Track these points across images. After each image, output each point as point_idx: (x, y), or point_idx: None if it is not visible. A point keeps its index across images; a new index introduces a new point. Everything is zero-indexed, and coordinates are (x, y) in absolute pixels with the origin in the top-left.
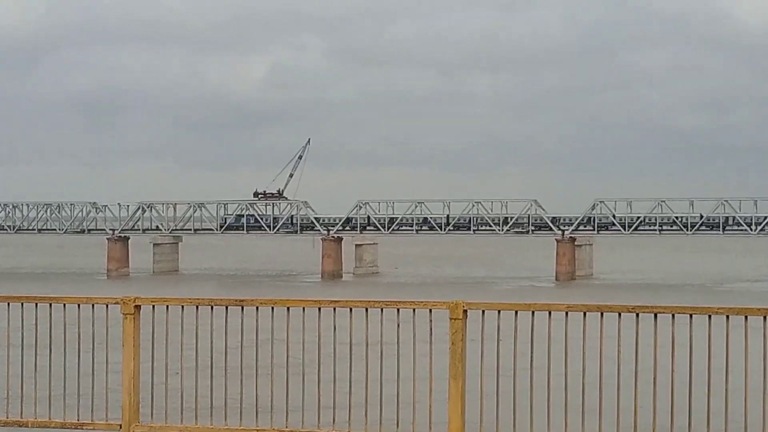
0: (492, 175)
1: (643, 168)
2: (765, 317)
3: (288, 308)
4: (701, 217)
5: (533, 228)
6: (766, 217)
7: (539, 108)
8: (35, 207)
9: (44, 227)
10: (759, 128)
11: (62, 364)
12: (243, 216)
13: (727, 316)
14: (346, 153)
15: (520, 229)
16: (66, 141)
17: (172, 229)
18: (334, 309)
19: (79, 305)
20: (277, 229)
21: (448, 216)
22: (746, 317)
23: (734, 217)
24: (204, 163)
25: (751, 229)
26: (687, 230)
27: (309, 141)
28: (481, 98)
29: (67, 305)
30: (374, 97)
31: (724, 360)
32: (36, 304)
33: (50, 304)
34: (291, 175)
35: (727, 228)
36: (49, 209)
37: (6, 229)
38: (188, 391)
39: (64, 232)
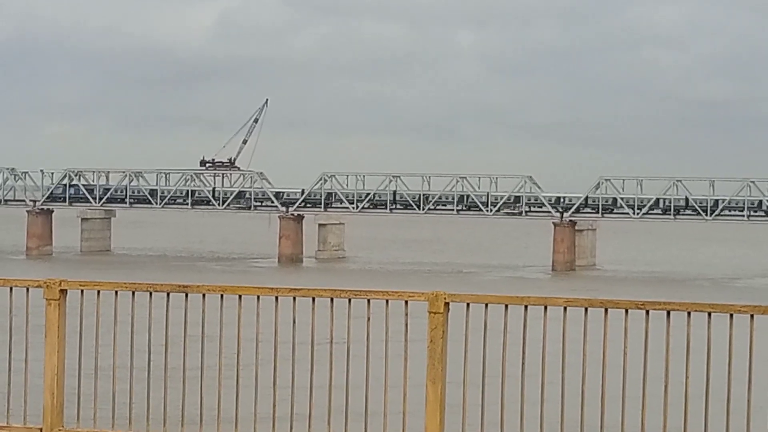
0: (479, 147)
1: (656, 142)
2: None
3: (240, 296)
4: (722, 200)
5: (527, 209)
6: None
7: (532, 70)
8: None
9: None
10: None
11: None
12: (187, 188)
13: (752, 316)
14: (308, 117)
15: (512, 210)
16: None
17: (104, 202)
18: (294, 299)
19: None
20: (228, 205)
21: (427, 193)
22: None
23: (761, 201)
24: (141, 125)
25: None
26: (706, 215)
27: (266, 102)
28: (464, 57)
29: None
30: (339, 53)
31: (747, 367)
32: None
33: None
34: (245, 142)
35: (752, 213)
36: None
37: None
38: (122, 393)
39: None
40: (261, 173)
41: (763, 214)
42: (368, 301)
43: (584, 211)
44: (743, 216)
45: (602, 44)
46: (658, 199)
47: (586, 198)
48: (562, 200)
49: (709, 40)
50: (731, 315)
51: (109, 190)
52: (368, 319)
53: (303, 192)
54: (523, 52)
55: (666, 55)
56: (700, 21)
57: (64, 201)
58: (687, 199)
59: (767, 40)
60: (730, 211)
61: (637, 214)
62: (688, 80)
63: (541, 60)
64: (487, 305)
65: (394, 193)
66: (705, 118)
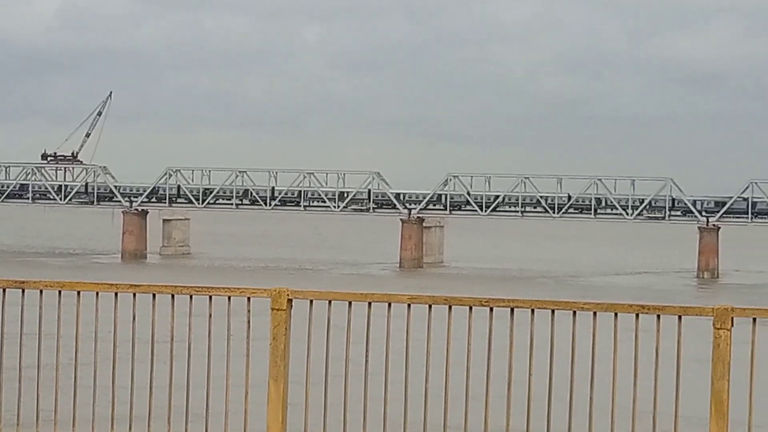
0: (326, 142)
1: (504, 139)
2: (637, 315)
3: (78, 292)
4: (570, 198)
5: (375, 205)
6: (643, 200)
7: (379, 65)
8: None
9: None
10: (633, 97)
11: None
12: (28, 182)
13: (595, 313)
14: (152, 111)
15: (359, 206)
16: None
17: None
18: (134, 295)
19: None
20: (70, 199)
21: (274, 189)
22: (616, 314)
23: (608, 199)
24: None
25: (627, 213)
26: (554, 213)
27: (110, 95)
28: (311, 52)
29: None
30: (184, 46)
31: (590, 365)
32: None
33: None
34: (88, 135)
35: (599, 211)
36: None
37: None
38: None
39: None
40: (104, 167)
41: (610, 212)
42: (210, 297)
43: (432, 207)
44: (590, 214)
45: (450, 40)
46: (506, 196)
47: (435, 195)
48: (409, 197)
49: (553, 38)
50: (574, 312)
51: None
52: (210, 316)
53: (149, 188)
54: (371, 48)
55: (512, 52)
56: (546, 18)
57: None
58: (535, 197)
59: (609, 37)
60: (577, 209)
61: (486, 211)
62: (534, 77)
63: (389, 56)
64: (330, 302)
65: (243, 190)
66: (551, 115)
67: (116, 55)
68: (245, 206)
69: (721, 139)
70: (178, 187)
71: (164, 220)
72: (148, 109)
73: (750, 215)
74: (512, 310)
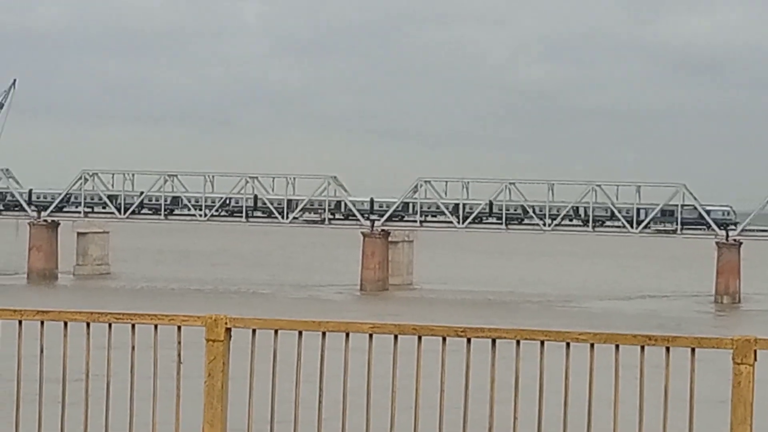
0: (268, 139)
1: (479, 136)
2: (643, 347)
3: None
4: (563, 207)
5: (331, 216)
6: (650, 210)
7: (327, 49)
8: None
9: None
10: (632, 87)
11: None
12: None
13: (592, 345)
14: (62, 103)
15: (313, 217)
16: None
17: None
18: (42, 323)
19: None
20: None
21: (210, 196)
22: (617, 346)
23: (609, 209)
24: None
25: (632, 226)
26: (543, 225)
27: (15, 83)
28: (246, 33)
29: None
30: (94, 27)
31: (586, 406)
32: None
33: None
34: None
35: (598, 223)
36: None
37: None
38: None
39: None
40: (7, 170)
41: (611, 225)
42: (133, 326)
43: (399, 219)
44: (587, 227)
45: (411, 20)
46: (489, 204)
47: (403, 203)
48: (372, 206)
49: (536, 17)
50: (567, 344)
51: None
52: (132, 348)
53: (59, 194)
54: (314, 28)
55: (486, 34)
56: None
57: None
58: (522, 206)
59: (603, 16)
60: (571, 220)
61: (463, 223)
62: (510, 65)
63: (338, 40)
64: (277, 331)
65: (171, 197)
66: (533, 108)
67: (16, 37)
68: (176, 217)
69: (738, 137)
70: (96, 194)
71: (79, 234)
72: (55, 102)
73: None
74: (494, 341)
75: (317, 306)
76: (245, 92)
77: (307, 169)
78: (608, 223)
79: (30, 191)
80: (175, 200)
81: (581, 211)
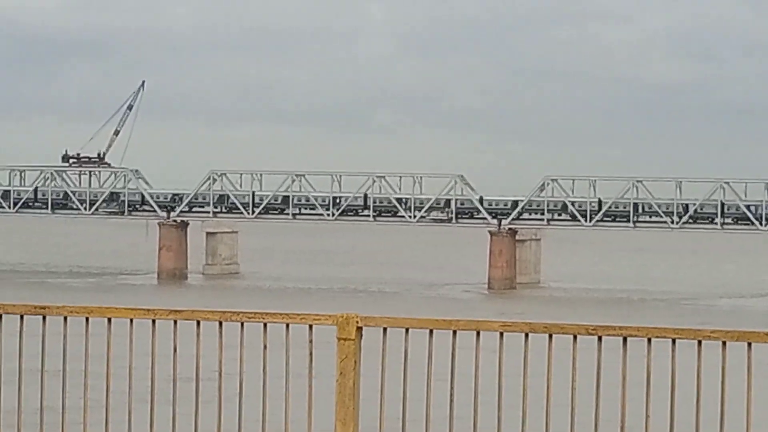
0: (394, 139)
1: (606, 134)
2: None
3: (109, 319)
4: (691, 205)
5: (459, 215)
6: None
7: (453, 48)
8: None
9: None
10: (763, 81)
11: None
12: (47, 188)
13: (724, 343)
14: (190, 105)
15: (440, 216)
16: None
17: None
18: (175, 322)
19: None
20: (97, 209)
21: (337, 196)
22: (750, 344)
23: (737, 206)
24: None
25: (762, 225)
26: (671, 222)
27: (143, 85)
28: (373, 33)
29: None
30: (222, 29)
31: (718, 406)
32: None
33: None
34: (117, 133)
35: (727, 221)
36: None
37: None
38: None
39: None
40: (136, 171)
41: (741, 223)
42: (264, 325)
43: (527, 217)
44: (716, 224)
45: (538, 18)
46: (614, 203)
47: (529, 202)
48: (500, 204)
49: (661, 15)
50: (699, 342)
51: None
52: (264, 347)
53: (188, 194)
54: (441, 27)
55: (612, 32)
56: None
57: None
58: (650, 204)
59: (730, 11)
60: (700, 218)
61: (590, 221)
62: (639, 61)
63: (463, 37)
64: (407, 330)
65: (302, 196)
66: (662, 104)
67: (145, 38)
68: (304, 216)
69: None
70: (225, 195)
71: (208, 234)
72: (184, 102)
73: None
74: (625, 339)
75: (445, 305)
76: (372, 92)
77: (436, 168)
78: (737, 219)
79: (159, 192)
80: (303, 200)
81: (709, 209)
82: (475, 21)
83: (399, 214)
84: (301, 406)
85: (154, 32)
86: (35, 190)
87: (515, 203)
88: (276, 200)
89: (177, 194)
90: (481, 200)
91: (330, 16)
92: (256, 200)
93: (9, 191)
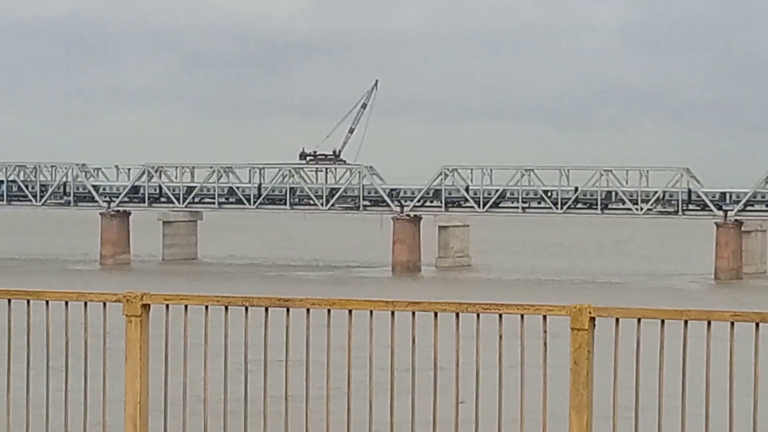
0: (620, 134)
1: None
2: None
3: (350, 311)
4: None
5: (684, 207)
6: None
7: (677, 44)
8: (2, 169)
9: (16, 196)
10: None
11: (42, 387)
12: (286, 185)
13: None
14: (421, 102)
15: (666, 209)
16: (36, 82)
17: (189, 202)
18: (413, 314)
19: (67, 303)
20: (332, 204)
21: (566, 189)
22: None
23: None
24: (225, 113)
25: None
26: None
27: (376, 84)
28: (599, 31)
29: (51, 302)
30: (452, 28)
31: None
32: (9, 301)
33: (28, 301)
34: (351, 131)
35: None
36: (23, 172)
37: None
38: (215, 428)
39: (43, 204)
40: (371, 167)
41: None
42: (500, 316)
43: (753, 208)
44: None
45: (762, 13)
46: None
47: (756, 193)
48: (726, 196)
49: None
50: None
51: (194, 188)
52: (500, 337)
53: (423, 190)
54: (666, 24)
55: None
56: None
57: (143, 201)
58: None
59: None
60: None
61: None
62: None
63: (687, 33)
64: (639, 320)
65: (530, 190)
66: None
67: (377, 39)
68: (533, 210)
69: None
70: (456, 189)
71: (440, 227)
72: (415, 100)
73: None
74: None
75: (674, 295)
76: (600, 87)
77: (661, 161)
78: None
79: (393, 188)
80: (532, 193)
81: None
82: (697, 18)
83: (626, 207)
84: (535, 394)
85: (387, 33)
86: (275, 187)
87: (740, 195)
88: (506, 194)
89: (410, 189)
90: (713, 196)
91: (556, 13)
92: (485, 194)
93: (249, 188)
